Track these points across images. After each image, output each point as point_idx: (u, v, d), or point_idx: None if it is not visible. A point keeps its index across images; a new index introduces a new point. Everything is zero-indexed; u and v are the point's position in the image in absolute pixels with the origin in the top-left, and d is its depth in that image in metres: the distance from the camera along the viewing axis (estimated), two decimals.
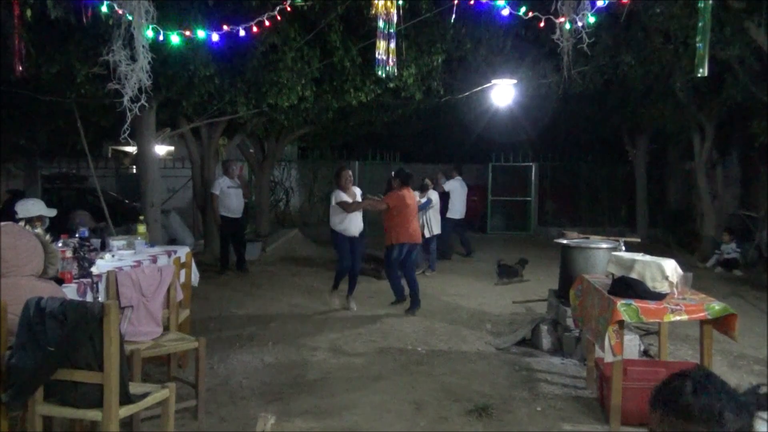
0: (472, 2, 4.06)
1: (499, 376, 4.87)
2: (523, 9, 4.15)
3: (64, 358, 2.74)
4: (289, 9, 4.10)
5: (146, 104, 4.37)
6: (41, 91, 7.02)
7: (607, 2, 3.79)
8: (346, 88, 8.08)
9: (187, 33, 4.30)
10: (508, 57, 9.21)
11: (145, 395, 3.01)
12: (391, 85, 8.15)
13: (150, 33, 4.00)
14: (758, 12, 6.52)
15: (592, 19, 3.97)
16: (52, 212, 4.90)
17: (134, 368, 3.65)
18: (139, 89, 4.13)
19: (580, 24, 3.99)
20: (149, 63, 4.04)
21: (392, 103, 10.15)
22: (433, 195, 9.40)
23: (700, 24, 3.62)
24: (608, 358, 3.76)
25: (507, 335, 5.95)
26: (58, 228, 4.84)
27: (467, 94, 9.66)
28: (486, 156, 15.64)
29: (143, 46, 3.91)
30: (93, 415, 2.83)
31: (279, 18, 4.26)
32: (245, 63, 7.00)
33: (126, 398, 2.86)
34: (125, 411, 2.87)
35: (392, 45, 4.00)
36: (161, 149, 11.00)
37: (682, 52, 7.85)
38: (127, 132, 4.58)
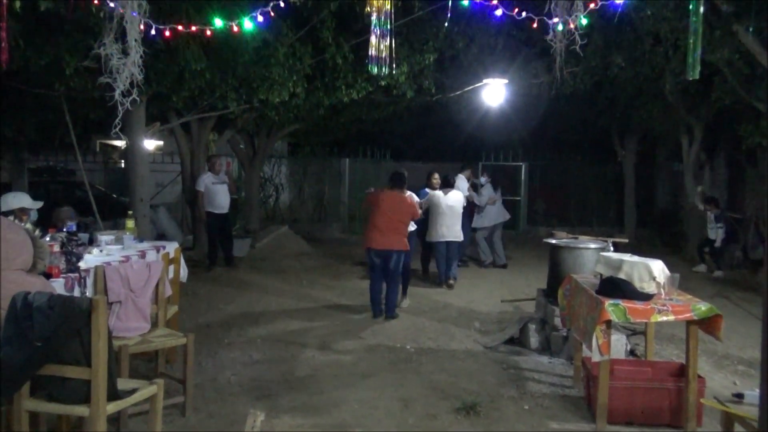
0: (466, 2, 4.07)
1: (487, 375, 4.90)
2: (516, 9, 4.16)
3: (52, 353, 2.71)
4: (282, 4, 4.09)
5: (137, 99, 4.34)
6: (30, 84, 6.94)
7: (599, 5, 3.81)
8: (338, 85, 8.06)
9: (180, 27, 4.27)
10: (500, 56, 9.24)
11: (133, 391, 2.99)
12: (383, 82, 8.14)
13: (143, 27, 3.97)
14: (747, 16, 6.58)
15: (584, 21, 3.99)
16: (36, 204, 4.77)
17: (122, 364, 3.63)
18: (131, 83, 4.10)
19: (572, 25, 4.01)
20: (141, 57, 4.01)
21: (383, 101, 10.15)
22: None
23: (692, 28, 3.64)
24: (595, 357, 3.79)
25: (495, 334, 5.98)
26: (44, 222, 4.78)
27: (459, 92, 9.67)
28: (476, 155, 15.67)
29: (135, 40, 3.88)
30: (80, 410, 2.81)
31: (272, 14, 4.24)
32: (236, 58, 6.96)
33: (114, 394, 2.84)
34: (113, 407, 2.86)
35: (386, 42, 3.99)
36: (150, 144, 10.89)
37: (672, 55, 7.92)
38: (118, 126, 4.54)
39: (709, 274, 9.68)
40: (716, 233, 9.83)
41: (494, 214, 9.96)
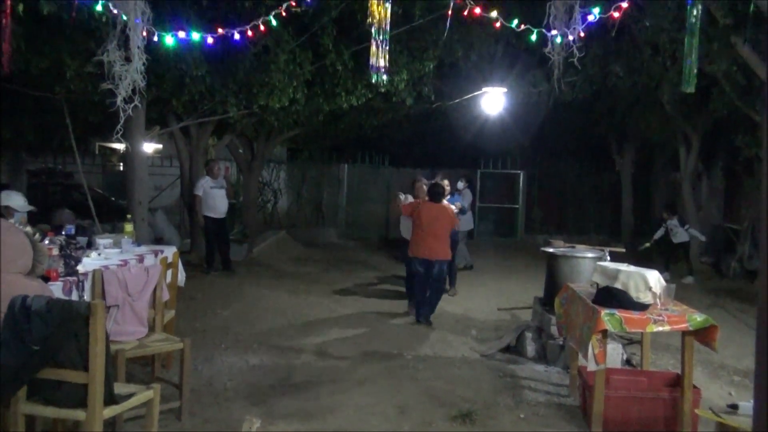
0: (465, 13, 4.10)
1: (483, 382, 4.90)
2: (515, 21, 4.20)
3: (49, 356, 2.72)
4: (284, 14, 4.11)
5: (139, 105, 4.35)
6: (30, 86, 6.96)
7: (597, 17, 3.84)
8: (338, 92, 8.08)
9: (181, 34, 4.28)
10: (499, 65, 9.29)
11: (129, 396, 2.99)
12: (383, 89, 8.16)
13: (145, 34, 3.99)
14: (745, 28, 6.63)
15: (582, 34, 4.02)
16: (25, 208, 4.78)
17: (119, 368, 3.63)
18: (133, 90, 4.11)
19: (571, 38, 4.05)
20: (144, 64, 4.02)
21: (383, 108, 10.17)
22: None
23: (687, 40, 3.68)
24: (591, 366, 3.81)
25: (492, 342, 5.98)
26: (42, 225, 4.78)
27: (458, 100, 9.71)
28: (475, 163, 15.72)
29: (138, 48, 3.90)
30: (77, 414, 2.81)
31: (274, 22, 4.26)
32: (237, 63, 6.98)
33: (110, 398, 2.85)
34: (109, 411, 2.86)
35: (384, 50, 4.02)
36: (149, 147, 10.89)
37: (671, 65, 7.97)
38: (120, 132, 4.55)
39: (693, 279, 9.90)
40: (686, 235, 10.16)
41: (470, 219, 10.10)
